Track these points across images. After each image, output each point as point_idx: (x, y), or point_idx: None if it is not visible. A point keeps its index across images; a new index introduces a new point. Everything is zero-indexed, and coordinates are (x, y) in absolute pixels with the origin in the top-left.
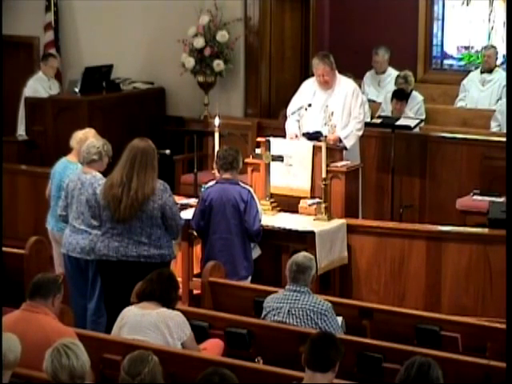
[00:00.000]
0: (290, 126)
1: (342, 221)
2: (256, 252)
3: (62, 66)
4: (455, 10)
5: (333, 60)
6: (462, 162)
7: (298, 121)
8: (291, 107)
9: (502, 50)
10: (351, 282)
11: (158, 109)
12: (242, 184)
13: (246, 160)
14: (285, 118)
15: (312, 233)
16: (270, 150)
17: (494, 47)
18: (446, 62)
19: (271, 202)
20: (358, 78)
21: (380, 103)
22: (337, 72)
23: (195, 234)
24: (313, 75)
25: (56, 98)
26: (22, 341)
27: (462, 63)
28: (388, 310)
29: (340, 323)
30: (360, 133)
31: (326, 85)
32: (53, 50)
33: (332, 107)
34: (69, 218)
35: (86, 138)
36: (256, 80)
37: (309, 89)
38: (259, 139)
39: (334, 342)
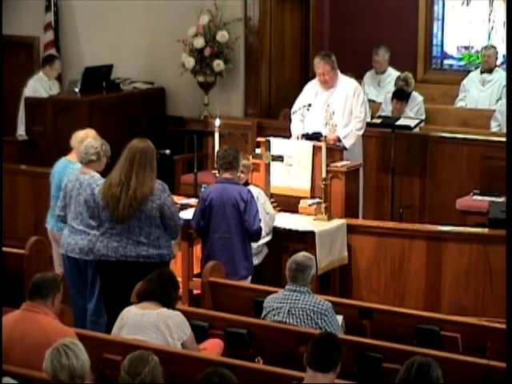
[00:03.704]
0: (294, 127)
1: (342, 221)
2: (263, 252)
3: (62, 66)
4: (455, 10)
5: (334, 59)
6: (462, 162)
7: (302, 121)
8: (293, 108)
9: (502, 49)
10: (351, 281)
11: (158, 109)
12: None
13: None
14: (286, 118)
15: (312, 233)
16: (269, 150)
17: (493, 47)
18: (446, 61)
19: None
20: (358, 78)
21: (380, 103)
22: (338, 71)
23: (195, 233)
24: (313, 75)
25: (56, 98)
26: (22, 341)
27: (462, 63)
28: (388, 310)
29: (340, 322)
30: (360, 132)
31: (327, 84)
32: (53, 50)
33: (333, 106)
34: (67, 218)
35: (87, 138)
36: (256, 80)
37: (311, 90)
38: (259, 139)
39: (336, 342)
